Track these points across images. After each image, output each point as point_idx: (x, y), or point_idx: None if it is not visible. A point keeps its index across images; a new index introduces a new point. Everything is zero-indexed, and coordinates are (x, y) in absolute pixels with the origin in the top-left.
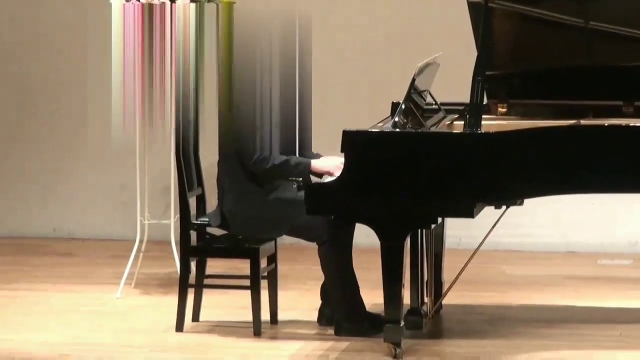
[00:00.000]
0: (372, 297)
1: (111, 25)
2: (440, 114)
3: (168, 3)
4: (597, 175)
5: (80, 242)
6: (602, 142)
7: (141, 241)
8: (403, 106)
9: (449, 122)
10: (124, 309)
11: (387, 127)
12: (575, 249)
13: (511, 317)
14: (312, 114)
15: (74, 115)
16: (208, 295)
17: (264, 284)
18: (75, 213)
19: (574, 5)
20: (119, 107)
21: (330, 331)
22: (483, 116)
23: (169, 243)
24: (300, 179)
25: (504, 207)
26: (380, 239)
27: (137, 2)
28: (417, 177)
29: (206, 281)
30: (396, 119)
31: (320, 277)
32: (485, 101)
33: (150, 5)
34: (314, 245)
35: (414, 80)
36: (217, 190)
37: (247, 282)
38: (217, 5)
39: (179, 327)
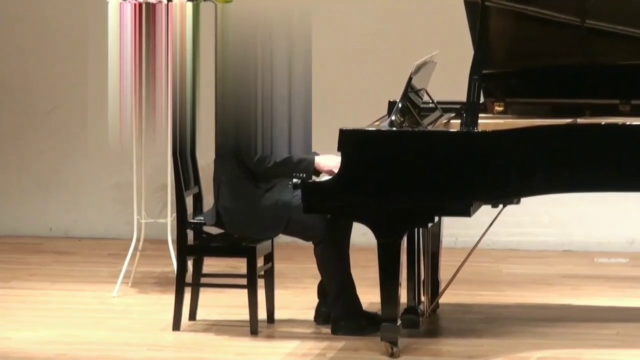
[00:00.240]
0: (369, 296)
1: (107, 25)
2: (437, 113)
3: (164, 3)
4: (594, 174)
5: (77, 241)
6: (598, 140)
7: (138, 240)
8: (400, 105)
9: (445, 121)
10: (121, 308)
11: (384, 125)
12: (572, 248)
13: (508, 316)
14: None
15: (71, 114)
16: (205, 294)
17: (260, 282)
18: (72, 212)
19: (571, 4)
20: (115, 106)
21: (327, 330)
22: (480, 115)
23: (166, 242)
24: (304, 175)
25: (500, 206)
26: (377, 238)
27: (134, 1)
28: (413, 175)
29: (203, 280)
30: (393, 117)
31: (317, 276)
32: (481, 100)
33: (147, 5)
34: (310, 244)
35: (410, 79)
36: (212, 189)
37: (243, 281)
38: (215, 4)
39: (176, 325)
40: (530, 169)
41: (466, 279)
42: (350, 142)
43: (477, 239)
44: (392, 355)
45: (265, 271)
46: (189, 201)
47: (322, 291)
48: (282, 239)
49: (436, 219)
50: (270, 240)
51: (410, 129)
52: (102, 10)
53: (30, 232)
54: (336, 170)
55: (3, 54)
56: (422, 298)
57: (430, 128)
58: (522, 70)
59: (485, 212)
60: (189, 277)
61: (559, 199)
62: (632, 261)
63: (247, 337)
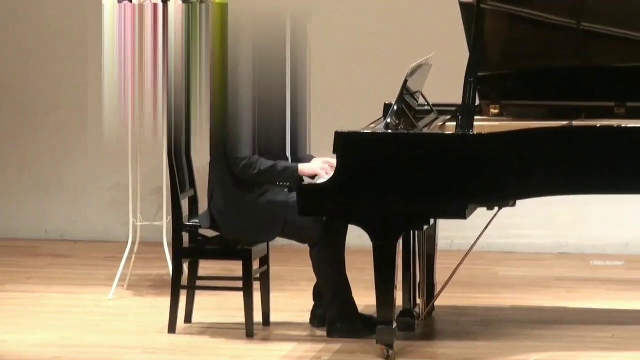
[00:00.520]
0: (365, 299)
1: (103, 26)
2: (433, 115)
3: (160, 4)
4: (589, 177)
5: (72, 244)
6: (594, 143)
7: (134, 243)
8: (395, 107)
9: (441, 124)
10: (117, 311)
11: (380, 128)
12: (567, 251)
13: (503, 319)
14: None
15: (66, 117)
16: (200, 297)
17: (256, 285)
18: (67, 215)
19: (566, 6)
20: (112, 108)
21: (323, 332)
22: (475, 117)
23: (162, 245)
24: (288, 183)
25: (496, 209)
26: (372, 240)
27: (129, 3)
28: (409, 178)
29: (198, 283)
30: (388, 120)
31: (313, 279)
32: (477, 102)
33: (142, 6)
34: (306, 247)
35: (406, 81)
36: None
37: (239, 284)
38: (207, 5)
39: (172, 328)
40: (526, 171)
41: (462, 282)
42: (346, 144)
43: (473, 241)
44: (387, 357)
45: (261, 274)
46: (185, 204)
47: (317, 294)
48: (277, 241)
49: (432, 221)
50: (266, 243)
51: (406, 132)
52: (102, 11)
53: (26, 235)
54: (321, 171)
55: (3, 54)
56: (418, 301)
57: (425, 131)
58: (518, 72)
59: (481, 214)
60: (184, 280)
61: (554, 201)
62: (628, 264)
63: (243, 340)
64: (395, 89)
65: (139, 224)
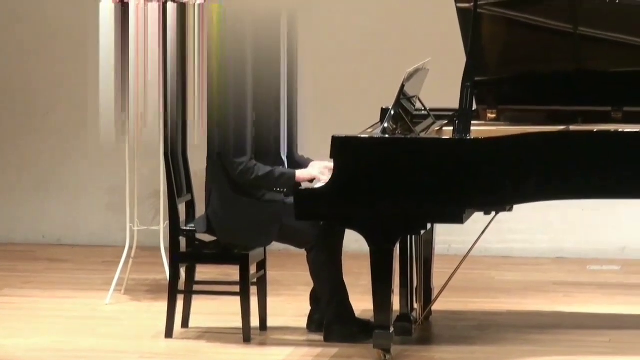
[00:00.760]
0: (362, 303)
1: (100, 28)
2: (430, 120)
3: (157, 4)
4: (586, 181)
5: (69, 249)
6: (591, 147)
7: (131, 247)
8: (392, 112)
9: (438, 128)
10: (114, 315)
11: (377, 132)
12: (564, 255)
13: (501, 323)
14: (303, 119)
15: (63, 121)
16: (197, 302)
17: (253, 290)
18: (64, 219)
19: (563, 11)
20: (108, 111)
21: (320, 337)
22: (472, 122)
23: (159, 249)
24: (285, 189)
25: (493, 213)
26: (369, 245)
27: (127, 3)
28: (406, 182)
29: (196, 287)
30: (385, 124)
31: (310, 283)
32: (474, 107)
33: (137, 7)
34: (303, 252)
35: (403, 86)
36: (204, 197)
37: (236, 289)
38: (202, 7)
39: (169, 333)
40: (523, 176)
41: (459, 286)
42: (343, 149)
43: (470, 246)
44: None
45: (257, 278)
46: (182, 208)
47: (314, 298)
48: (274, 246)
49: (429, 226)
50: (263, 248)
51: (403, 136)
52: (100, 13)
53: (23, 240)
54: (319, 175)
55: (2, 55)
56: (415, 305)
57: (422, 135)
58: (515, 77)
59: (477, 219)
60: (181, 285)
61: (551, 206)
62: (625, 268)
63: (240, 345)
64: (392, 94)
65: (136, 228)
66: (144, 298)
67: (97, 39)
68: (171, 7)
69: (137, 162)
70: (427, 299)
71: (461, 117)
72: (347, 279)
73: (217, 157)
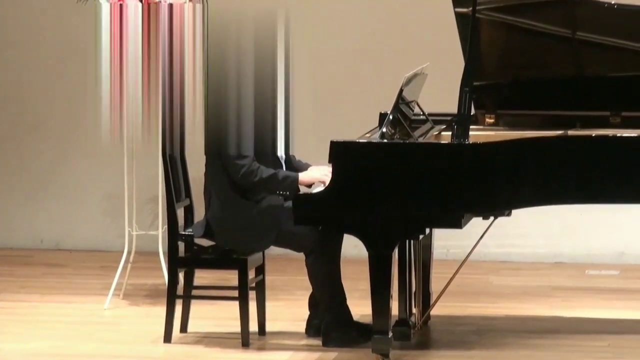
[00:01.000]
0: (361, 308)
1: (96, 29)
2: (428, 125)
3: (154, 4)
4: (584, 186)
5: (68, 253)
6: (589, 152)
7: (129, 252)
8: (391, 117)
9: (436, 133)
10: (112, 320)
11: (375, 137)
12: (562, 260)
13: (499, 328)
14: (301, 124)
15: (61, 127)
16: (196, 306)
17: (251, 294)
18: (63, 224)
19: (562, 16)
20: (106, 114)
21: (318, 342)
22: (471, 127)
23: (157, 254)
24: (288, 192)
25: (491, 218)
26: (368, 249)
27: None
28: (404, 187)
29: (194, 292)
30: (384, 129)
31: (308, 288)
32: (472, 112)
33: (135, 7)
34: (301, 256)
35: (401, 91)
36: (204, 201)
37: (235, 293)
38: (206, 5)
39: (167, 338)
40: (521, 181)
41: (457, 291)
42: (341, 153)
43: (468, 250)
44: None
45: (256, 283)
46: (180, 213)
47: (313, 303)
48: (273, 250)
49: (427, 230)
50: (261, 252)
51: (401, 141)
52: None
53: (21, 244)
54: (322, 180)
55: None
56: (414, 310)
57: (421, 140)
58: (513, 82)
59: (476, 223)
60: (180, 290)
61: (549, 210)
62: (623, 273)
63: (239, 349)
64: (390, 98)
65: (134, 233)
66: (143, 303)
67: (96, 41)
68: (166, 7)
69: (136, 167)
70: (426, 304)
71: (460, 121)
72: (345, 284)
73: (218, 159)
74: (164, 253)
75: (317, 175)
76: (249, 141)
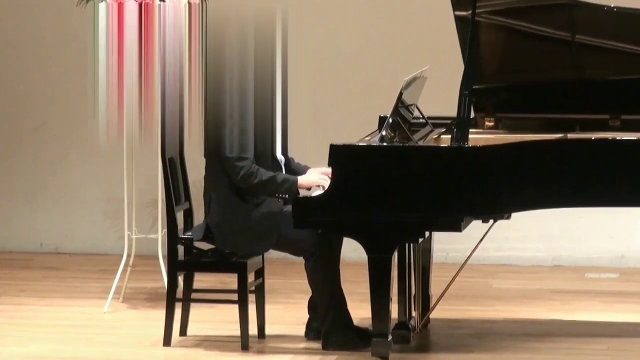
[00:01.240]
0: (360, 311)
1: (93, 30)
2: (428, 128)
3: (153, 5)
4: (584, 189)
5: (67, 257)
6: (589, 155)
7: (129, 255)
8: (390, 120)
9: (436, 136)
10: (112, 324)
11: (375, 141)
12: (562, 263)
13: (498, 331)
14: (301, 127)
15: (60, 129)
16: (195, 310)
17: (251, 298)
18: (62, 227)
19: (561, 19)
20: (105, 117)
21: (318, 345)
22: (470, 130)
23: (157, 257)
24: (287, 195)
25: (491, 221)
26: (367, 253)
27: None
28: (404, 191)
29: (194, 295)
30: (383, 132)
31: (308, 291)
32: (472, 115)
33: (132, 6)
34: (301, 260)
35: (401, 94)
36: (203, 205)
37: (234, 297)
38: (198, 6)
39: (167, 341)
40: (521, 184)
41: (456, 294)
42: (341, 157)
43: (468, 254)
44: None
45: (256, 286)
46: (180, 216)
47: (313, 306)
48: (272, 254)
49: (427, 234)
50: (261, 256)
51: (401, 144)
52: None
53: (20, 248)
54: (321, 182)
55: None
56: (413, 313)
57: (420, 143)
58: (513, 85)
59: (475, 227)
60: (179, 293)
61: (549, 213)
62: (622, 276)
63: (238, 353)
64: (390, 102)
65: (134, 236)
66: (142, 306)
67: (95, 44)
68: (165, 7)
69: (135, 170)
70: (425, 307)
71: (459, 125)
72: (345, 287)
73: (218, 161)
74: (163, 256)
75: (316, 178)
76: (249, 143)
